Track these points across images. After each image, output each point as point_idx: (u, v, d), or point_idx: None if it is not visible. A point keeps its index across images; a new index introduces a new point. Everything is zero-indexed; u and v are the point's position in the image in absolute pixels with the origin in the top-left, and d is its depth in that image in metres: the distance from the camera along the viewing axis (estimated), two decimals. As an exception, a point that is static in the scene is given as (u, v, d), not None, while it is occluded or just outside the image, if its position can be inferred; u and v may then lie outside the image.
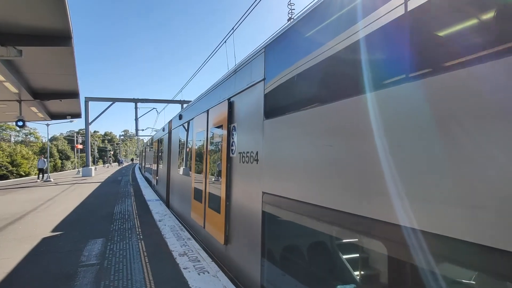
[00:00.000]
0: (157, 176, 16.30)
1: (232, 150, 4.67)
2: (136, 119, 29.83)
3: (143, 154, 33.63)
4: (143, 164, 31.74)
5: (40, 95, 12.87)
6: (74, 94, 13.35)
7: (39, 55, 9.01)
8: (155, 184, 16.86)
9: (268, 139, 3.53)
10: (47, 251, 5.91)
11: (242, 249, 4.27)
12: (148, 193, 14.92)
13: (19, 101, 12.97)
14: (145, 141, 40.23)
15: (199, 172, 6.51)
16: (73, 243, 6.35)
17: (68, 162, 62.18)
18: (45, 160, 21.88)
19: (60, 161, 60.70)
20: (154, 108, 32.64)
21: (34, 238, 6.77)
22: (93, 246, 6.13)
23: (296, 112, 3.00)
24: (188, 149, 8.20)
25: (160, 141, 15.02)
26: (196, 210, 6.68)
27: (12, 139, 60.36)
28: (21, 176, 36.65)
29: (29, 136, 69.81)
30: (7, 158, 37.44)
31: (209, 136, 5.97)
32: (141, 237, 6.81)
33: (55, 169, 56.64)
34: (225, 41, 11.45)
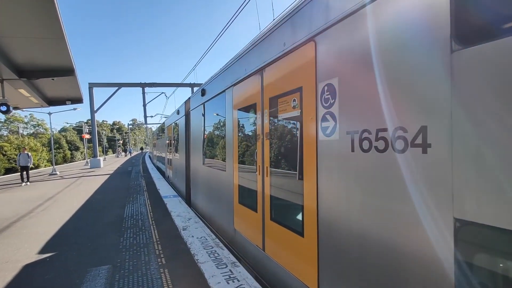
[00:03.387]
0: (171, 166, 14.14)
1: (325, 129, 2.64)
2: (144, 105, 27.67)
3: (154, 142, 31.80)
4: (154, 153, 29.94)
5: (26, 72, 10.58)
6: (69, 71, 11.02)
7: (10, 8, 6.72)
8: (170, 176, 14.77)
9: (476, 97, 1.51)
10: (25, 292, 3.91)
11: None
12: (162, 187, 12.94)
13: (1, 81, 10.74)
14: (153, 129, 38.41)
15: (248, 164, 4.51)
16: (65, 276, 4.33)
17: (77, 153, 61.22)
18: (29, 154, 15.82)
19: (69, 152, 59.73)
20: (162, 92, 30.44)
21: (11, 267, 4.77)
22: (94, 282, 4.09)
23: None
24: (220, 133, 6.08)
25: (174, 126, 12.74)
26: (244, 220, 4.68)
27: (22, 131, 59.47)
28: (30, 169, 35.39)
29: (37, 127, 69.02)
30: (15, 151, 36.27)
31: (265, 111, 3.88)
32: (163, 261, 4.74)
33: (64, 160, 55.71)
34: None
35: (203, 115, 7.30)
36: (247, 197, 4.55)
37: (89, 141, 42.98)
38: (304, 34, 2.93)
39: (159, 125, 27.63)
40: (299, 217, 3.09)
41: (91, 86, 25.39)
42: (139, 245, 5.54)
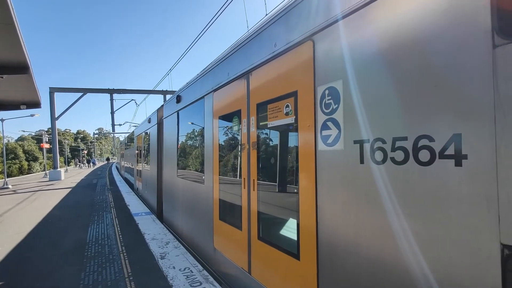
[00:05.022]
0: (141, 178, 13.24)
1: (326, 137, 2.38)
2: (112, 112, 25.84)
3: (122, 152, 29.79)
4: (122, 164, 27.96)
5: (-35, 68, 8.88)
6: (22, 68, 9.41)
7: None
8: (139, 188, 13.81)
9: None
10: None
11: None
12: (132, 202, 11.57)
13: None
14: (121, 139, 36.27)
15: (231, 177, 4.20)
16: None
17: (36, 164, 56.57)
18: None
19: (26, 162, 54.98)
20: (132, 99, 28.71)
21: None
22: None
23: None
24: (198, 143, 5.66)
25: (145, 136, 12.01)
26: (227, 238, 4.25)
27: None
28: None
29: (-10, 136, 63.34)
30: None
31: (251, 118, 3.56)
32: (139, 307, 3.66)
33: (21, 171, 51.11)
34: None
35: (178, 123, 6.86)
36: (230, 213, 4.16)
37: (49, 151, 39.46)
38: (300, 33, 2.68)
39: (128, 134, 25.94)
40: (293, 237, 2.76)
41: (53, 91, 23.24)
42: (105, 283, 4.37)
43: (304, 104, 2.64)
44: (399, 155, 1.80)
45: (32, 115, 21.59)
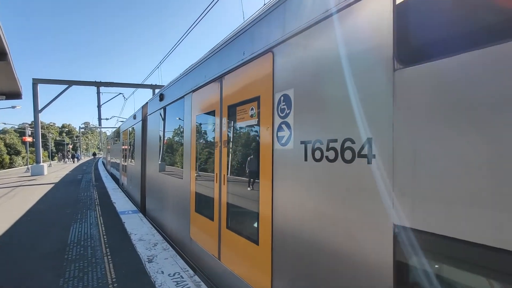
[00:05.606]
0: (126, 173, 13.57)
1: (281, 138, 2.73)
2: (99, 106, 25.03)
3: (108, 147, 29.02)
4: (108, 159, 27.21)
5: None
6: None
7: None
8: (124, 183, 14.18)
9: (414, 112, 1.65)
10: None
11: None
12: (119, 199, 11.08)
13: None
14: (108, 134, 35.42)
15: (206, 172, 4.48)
16: None
17: (18, 158, 54.66)
18: None
19: (8, 156, 53.11)
20: (120, 93, 27.90)
21: None
22: None
23: None
24: (178, 139, 5.97)
25: (131, 131, 12.31)
26: (201, 228, 4.57)
27: None
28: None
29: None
30: None
31: (223, 118, 3.91)
32: (123, 320, 3.28)
33: (1, 166, 49.34)
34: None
35: (161, 120, 7.16)
36: (204, 205, 4.47)
37: (33, 144, 38.02)
38: (263, 44, 3.01)
39: (114, 129, 25.16)
40: (255, 225, 3.10)
41: (36, 82, 22.23)
42: (86, 290, 3.97)
43: (265, 108, 2.97)
44: (331, 154, 2.15)
45: (13, 107, 20.63)
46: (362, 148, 1.92)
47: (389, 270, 1.76)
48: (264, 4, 3.12)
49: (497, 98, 1.32)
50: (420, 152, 1.60)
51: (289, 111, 2.60)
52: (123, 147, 15.03)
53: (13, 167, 47.29)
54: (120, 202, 10.64)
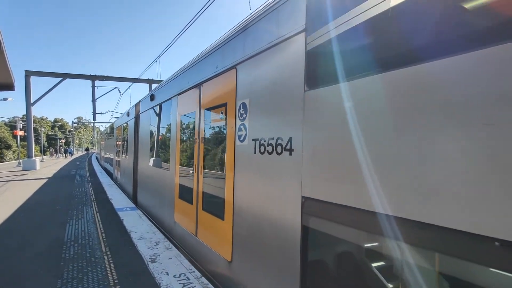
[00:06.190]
0: (119, 167, 14.30)
1: (240, 136, 3.45)
2: (94, 100, 24.48)
3: (102, 143, 28.54)
4: (102, 154, 26.75)
5: None
6: None
7: None
8: (118, 177, 14.89)
9: (314, 119, 2.40)
10: None
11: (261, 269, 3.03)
12: (115, 195, 10.77)
13: None
14: (102, 129, 34.91)
15: (188, 165, 5.24)
16: None
17: (8, 152, 53.58)
18: None
19: (-2, 150, 52.01)
20: (116, 87, 27.35)
21: None
22: None
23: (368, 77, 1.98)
24: (166, 136, 6.69)
25: (124, 127, 13.04)
26: (183, 212, 5.37)
27: None
28: None
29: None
30: None
31: (201, 119, 4.69)
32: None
33: (-8, 160, 48.24)
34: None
35: (151, 118, 7.98)
36: (185, 192, 5.21)
37: (24, 139, 37.16)
38: (230, 61, 3.75)
39: (108, 124, 24.70)
40: (222, 205, 3.83)
41: (28, 74, 21.58)
42: (87, 293, 3.71)
43: (230, 112, 3.69)
44: (270, 149, 2.86)
45: (5, 99, 20.04)
46: (287, 144, 2.63)
47: (298, 225, 2.47)
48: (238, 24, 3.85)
49: (365, 109, 1.97)
50: (317, 148, 2.31)
51: (245, 115, 3.34)
52: (117, 142, 15.44)
53: (3, 162, 46.31)
54: (117, 198, 10.33)
